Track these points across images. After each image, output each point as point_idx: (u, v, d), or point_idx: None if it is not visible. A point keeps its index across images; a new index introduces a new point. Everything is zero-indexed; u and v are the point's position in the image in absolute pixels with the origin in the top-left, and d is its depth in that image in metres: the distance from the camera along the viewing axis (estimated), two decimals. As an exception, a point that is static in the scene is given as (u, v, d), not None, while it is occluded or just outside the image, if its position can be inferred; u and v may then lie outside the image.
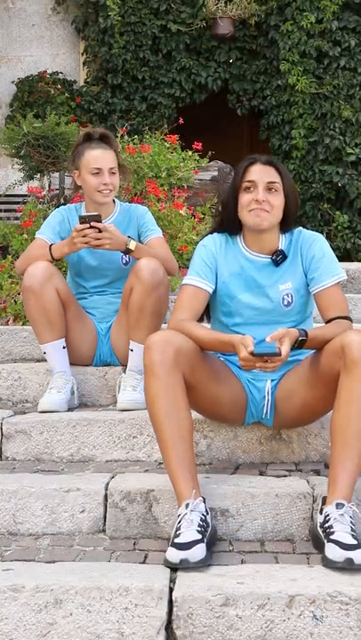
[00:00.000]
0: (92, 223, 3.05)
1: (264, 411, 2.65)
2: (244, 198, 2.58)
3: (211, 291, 2.65)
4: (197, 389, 2.48)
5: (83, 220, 3.06)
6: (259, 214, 2.56)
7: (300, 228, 2.71)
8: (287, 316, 2.63)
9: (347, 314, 2.58)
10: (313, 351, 2.55)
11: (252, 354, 2.29)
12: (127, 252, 3.15)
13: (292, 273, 2.66)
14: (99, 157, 3.25)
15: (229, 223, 2.67)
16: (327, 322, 2.57)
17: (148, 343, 2.38)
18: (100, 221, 3.07)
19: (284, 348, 2.31)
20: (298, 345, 2.39)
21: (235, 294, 2.65)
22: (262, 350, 2.30)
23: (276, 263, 2.65)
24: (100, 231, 3.06)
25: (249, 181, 2.57)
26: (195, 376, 2.44)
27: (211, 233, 2.73)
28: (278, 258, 2.64)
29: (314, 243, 2.66)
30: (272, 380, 2.63)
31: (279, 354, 2.29)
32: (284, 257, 2.65)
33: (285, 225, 2.66)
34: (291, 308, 2.64)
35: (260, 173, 2.57)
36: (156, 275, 3.06)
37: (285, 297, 2.64)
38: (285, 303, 2.64)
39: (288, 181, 2.61)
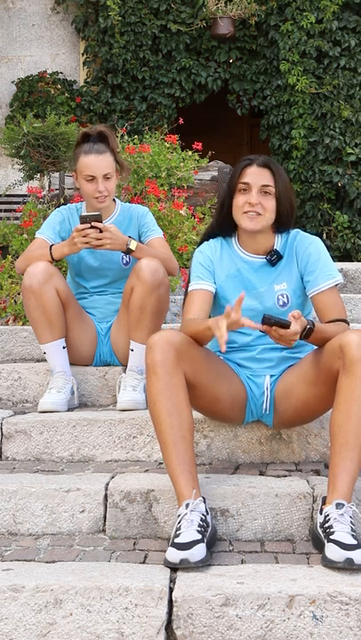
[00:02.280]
0: (93, 223, 3.05)
1: (264, 407, 2.65)
2: (239, 200, 2.61)
3: (214, 290, 2.67)
4: (198, 388, 2.48)
5: (83, 219, 3.05)
6: (252, 217, 2.59)
7: (298, 229, 2.73)
8: (283, 316, 2.63)
9: (344, 317, 2.59)
10: (312, 349, 2.56)
11: (264, 316, 2.30)
12: (128, 251, 3.15)
13: (288, 274, 2.67)
14: (92, 164, 3.21)
15: (225, 223, 2.70)
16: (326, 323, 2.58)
17: (150, 343, 2.38)
18: (101, 221, 3.06)
19: (294, 326, 2.30)
20: (305, 334, 2.39)
21: (231, 297, 2.66)
22: (274, 317, 2.31)
23: (272, 263, 2.66)
24: (100, 231, 3.06)
25: (244, 183, 2.60)
26: (196, 375, 2.45)
27: (206, 237, 2.75)
28: (273, 258, 2.66)
29: (310, 245, 2.67)
30: (271, 376, 2.64)
31: (288, 324, 2.29)
32: (280, 257, 2.67)
33: (279, 226, 2.67)
34: (287, 309, 2.64)
35: (255, 176, 2.59)
36: (156, 274, 3.06)
37: (280, 297, 2.65)
38: (281, 303, 2.64)
39: (282, 183, 2.62)
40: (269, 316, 2.31)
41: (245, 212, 2.59)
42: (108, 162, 3.24)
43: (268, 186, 2.59)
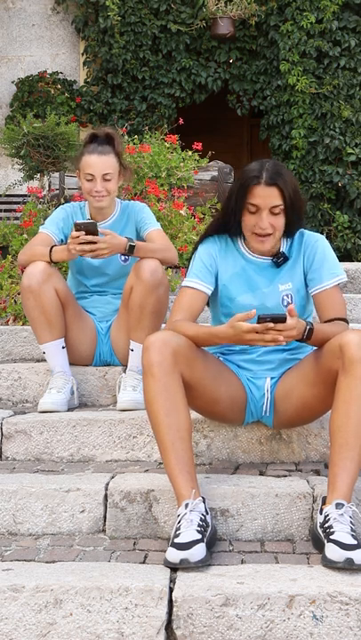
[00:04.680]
0: (88, 238, 3.02)
1: (264, 409, 2.65)
2: (249, 220, 2.56)
3: (209, 292, 2.65)
4: (196, 389, 2.48)
5: (78, 227, 3.03)
6: (262, 241, 2.58)
7: (301, 229, 2.71)
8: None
9: (344, 316, 2.58)
10: (312, 350, 2.55)
11: (259, 317, 2.27)
12: (129, 251, 3.13)
13: (293, 273, 2.66)
14: (92, 163, 3.24)
15: (230, 228, 2.66)
16: (325, 323, 2.57)
17: (147, 344, 2.38)
18: (96, 228, 3.03)
19: (290, 319, 2.28)
20: (306, 335, 2.39)
21: (234, 296, 2.65)
22: (268, 314, 2.28)
23: (277, 265, 2.66)
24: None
25: (253, 205, 2.54)
26: (193, 376, 2.44)
27: (209, 234, 2.72)
28: (280, 260, 2.65)
29: (316, 243, 2.67)
30: (272, 378, 2.64)
31: (284, 317, 2.27)
32: (286, 259, 2.66)
33: (287, 231, 2.65)
34: (290, 309, 2.64)
35: (264, 198, 2.52)
36: (156, 274, 3.06)
37: (285, 297, 2.64)
38: (285, 303, 2.64)
39: (289, 195, 2.54)
40: (264, 315, 2.28)
41: (254, 234, 2.57)
42: (109, 163, 3.25)
43: (277, 206, 2.54)
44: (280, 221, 2.57)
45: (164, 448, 2.30)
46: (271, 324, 2.27)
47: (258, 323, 2.28)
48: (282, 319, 2.27)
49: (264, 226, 2.55)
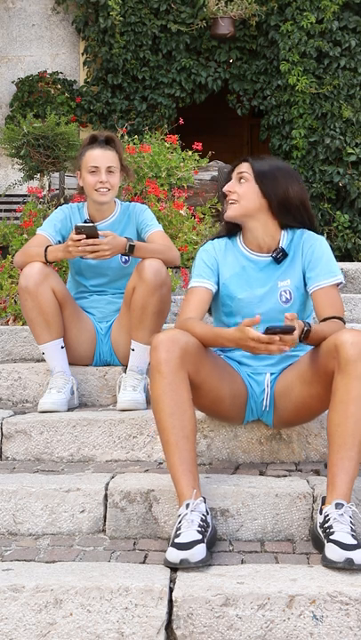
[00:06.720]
0: (89, 241, 3.01)
1: (263, 405, 2.65)
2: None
3: (214, 290, 2.68)
4: (202, 388, 2.48)
5: (78, 230, 3.03)
6: (229, 205, 2.68)
7: (303, 229, 2.73)
8: (287, 312, 2.63)
9: (342, 315, 2.59)
10: (311, 348, 2.56)
11: (267, 329, 2.27)
12: (129, 251, 3.13)
13: (292, 271, 2.68)
14: (97, 156, 3.27)
15: (230, 223, 2.71)
16: (321, 321, 2.58)
17: (155, 342, 2.38)
18: (96, 231, 3.03)
19: (297, 331, 2.30)
20: (304, 335, 2.39)
21: (235, 295, 2.67)
22: (275, 325, 2.29)
23: (277, 261, 2.67)
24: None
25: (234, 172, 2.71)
26: (199, 375, 2.45)
27: (215, 237, 2.77)
28: (279, 255, 2.67)
29: (315, 242, 2.69)
30: (272, 374, 2.65)
31: (293, 329, 2.28)
32: (285, 254, 2.68)
33: (282, 220, 2.67)
34: (289, 305, 2.65)
35: (237, 168, 2.70)
36: (159, 274, 3.06)
37: (283, 293, 2.66)
38: (284, 300, 2.65)
39: (263, 172, 2.66)
40: (272, 326, 2.28)
41: (226, 199, 2.70)
42: (113, 156, 3.31)
43: (243, 172, 2.67)
44: (244, 188, 2.66)
45: (168, 447, 2.30)
46: (277, 338, 2.28)
47: (265, 334, 2.29)
48: (290, 331, 2.28)
49: (227, 189, 2.68)
